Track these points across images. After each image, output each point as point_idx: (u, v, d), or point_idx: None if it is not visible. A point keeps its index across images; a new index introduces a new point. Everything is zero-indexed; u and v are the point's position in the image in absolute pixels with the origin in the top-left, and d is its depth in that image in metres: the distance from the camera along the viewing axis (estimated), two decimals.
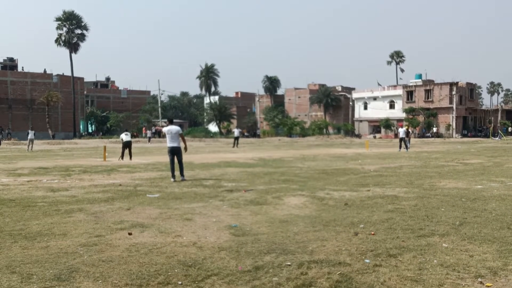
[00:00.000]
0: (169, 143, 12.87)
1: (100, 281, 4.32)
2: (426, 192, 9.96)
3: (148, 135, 51.86)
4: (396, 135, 63.38)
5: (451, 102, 63.59)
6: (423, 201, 8.68)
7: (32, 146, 32.17)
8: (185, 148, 13.23)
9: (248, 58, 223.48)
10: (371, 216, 7.30)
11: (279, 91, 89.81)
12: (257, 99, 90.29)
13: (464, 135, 63.13)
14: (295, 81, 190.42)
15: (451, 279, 4.36)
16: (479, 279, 4.34)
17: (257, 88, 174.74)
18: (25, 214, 7.70)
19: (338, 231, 6.27)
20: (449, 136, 61.99)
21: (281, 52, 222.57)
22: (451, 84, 63.89)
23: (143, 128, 67.61)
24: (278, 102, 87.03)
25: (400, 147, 29.26)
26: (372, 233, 6.12)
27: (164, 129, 13.17)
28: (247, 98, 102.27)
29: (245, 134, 73.39)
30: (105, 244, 5.67)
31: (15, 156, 25.81)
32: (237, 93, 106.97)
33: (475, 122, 69.25)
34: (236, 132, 39.15)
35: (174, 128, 13.03)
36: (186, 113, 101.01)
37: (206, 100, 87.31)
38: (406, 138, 29.51)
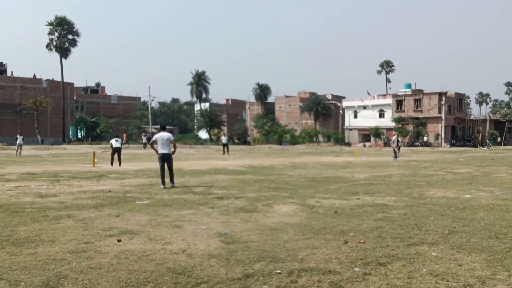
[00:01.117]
0: (160, 149, 12.79)
1: None
2: (415, 201, 10.01)
3: (143, 141, 51.16)
4: (385, 144, 63.82)
5: (440, 111, 64.22)
6: (412, 210, 8.73)
7: (20, 152, 31.88)
8: (173, 152, 13.06)
9: (239, 66, 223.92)
10: (361, 224, 7.33)
11: (270, 99, 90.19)
12: (247, 106, 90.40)
13: (452, 145, 63.65)
14: (285, 89, 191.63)
15: None
16: None
17: (248, 95, 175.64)
18: (13, 220, 7.62)
19: (328, 239, 6.28)
20: (438, 145, 62.48)
21: (272, 60, 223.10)
22: (440, 94, 64.60)
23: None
24: (269, 110, 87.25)
25: (395, 156, 29.22)
26: (362, 241, 6.14)
27: (156, 136, 13.08)
28: (237, 106, 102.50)
29: (235, 141, 73.40)
30: (93, 251, 5.63)
31: (3, 161, 25.54)
32: (227, 100, 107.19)
33: (463, 131, 69.90)
34: (224, 139, 39.11)
35: (166, 134, 12.95)
36: (176, 120, 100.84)
37: (197, 107, 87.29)
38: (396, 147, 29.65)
